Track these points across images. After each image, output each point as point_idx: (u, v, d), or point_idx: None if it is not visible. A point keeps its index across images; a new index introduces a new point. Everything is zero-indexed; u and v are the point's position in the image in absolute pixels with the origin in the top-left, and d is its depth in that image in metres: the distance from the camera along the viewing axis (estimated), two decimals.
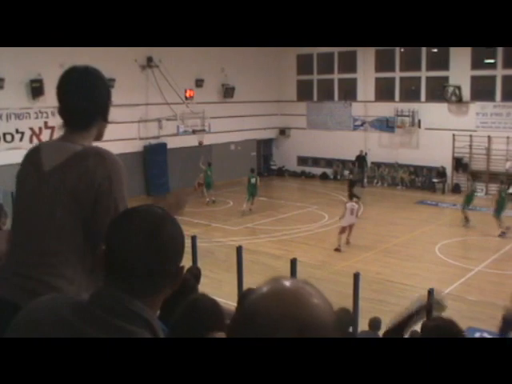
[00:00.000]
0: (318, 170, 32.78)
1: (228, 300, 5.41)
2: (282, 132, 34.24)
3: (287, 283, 1.21)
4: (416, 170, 28.98)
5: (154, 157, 26.72)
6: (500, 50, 26.05)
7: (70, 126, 2.57)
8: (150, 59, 26.42)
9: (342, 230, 18.32)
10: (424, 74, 28.77)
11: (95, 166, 2.44)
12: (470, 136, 27.08)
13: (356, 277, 10.49)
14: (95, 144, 2.69)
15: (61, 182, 2.40)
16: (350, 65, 31.24)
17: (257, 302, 1.17)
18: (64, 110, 2.58)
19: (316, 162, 33.04)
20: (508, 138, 26.08)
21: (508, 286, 13.93)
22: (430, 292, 10.18)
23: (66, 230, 2.39)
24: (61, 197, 2.40)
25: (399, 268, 15.88)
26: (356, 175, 29.39)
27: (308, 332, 1.10)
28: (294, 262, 11.17)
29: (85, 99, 2.54)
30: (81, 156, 2.45)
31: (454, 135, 27.39)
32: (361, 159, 29.85)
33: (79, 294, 2.30)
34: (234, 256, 11.54)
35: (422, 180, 28.61)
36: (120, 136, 25.22)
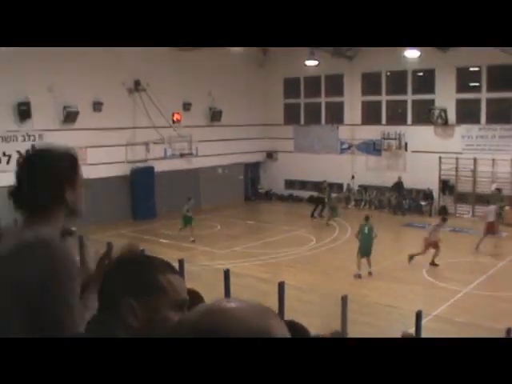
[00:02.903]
0: (305, 194, 32.73)
1: None
2: (270, 155, 34.30)
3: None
4: (403, 193, 29.08)
5: (141, 180, 26.67)
6: (484, 73, 26.43)
7: (26, 209, 2.54)
8: (137, 83, 26.49)
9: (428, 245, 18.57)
10: (410, 97, 29.07)
11: (40, 262, 2.32)
12: (456, 158, 27.32)
13: (344, 300, 10.49)
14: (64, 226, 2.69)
15: (5, 273, 2.35)
16: (336, 88, 31.47)
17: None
18: (17, 193, 2.55)
19: (303, 185, 33.06)
20: (493, 160, 26.31)
21: (495, 307, 14.01)
22: (418, 314, 10.22)
23: (8, 320, 2.32)
24: (3, 287, 2.34)
25: (387, 291, 15.85)
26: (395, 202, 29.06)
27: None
28: (281, 286, 11.11)
29: (31, 183, 2.52)
30: (28, 248, 2.36)
31: (440, 158, 27.63)
32: (399, 186, 29.03)
33: None
34: (221, 280, 11.62)
35: (409, 203, 28.72)
36: (107, 159, 25.19)
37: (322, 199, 27.90)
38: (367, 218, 18.57)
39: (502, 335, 9.32)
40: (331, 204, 26.80)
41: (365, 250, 17.63)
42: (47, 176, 2.54)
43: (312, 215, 27.37)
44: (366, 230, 18.11)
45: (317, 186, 31.94)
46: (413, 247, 21.00)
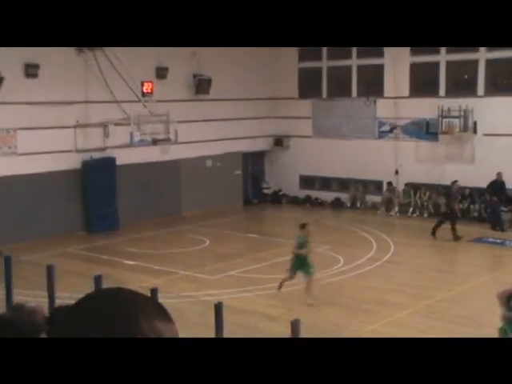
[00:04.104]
0: (328, 195, 32.81)
1: None
2: (278, 142, 34.21)
3: None
4: (472, 195, 28.78)
5: (97, 176, 26.46)
6: None
7: None
8: None
9: None
10: (483, 55, 28.60)
11: None
12: None
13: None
14: None
15: None
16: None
17: None
18: None
19: (326, 183, 33.15)
20: None
21: None
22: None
23: None
24: None
25: (449, 334, 15.36)
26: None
27: None
28: (295, 325, 10.85)
29: None
30: None
31: None
32: (500, 187, 27.71)
33: None
34: (211, 317, 11.67)
35: (481, 208, 28.44)
36: (48, 147, 25.14)
37: (450, 210, 26.22)
38: None
39: None
40: None
41: None
42: None
43: (433, 232, 25.78)
44: None
45: (345, 184, 31.79)
46: (486, 272, 20.70)
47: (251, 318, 16.15)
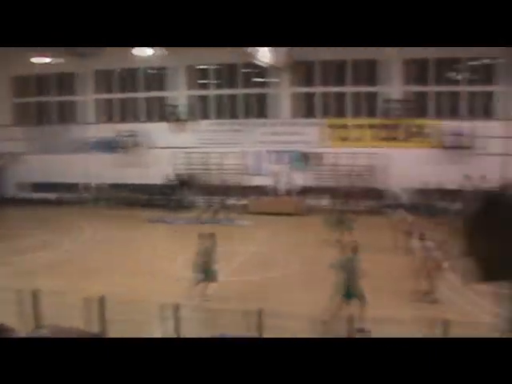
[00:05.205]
0: (48, 195, 31.53)
1: None
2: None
3: None
4: (150, 188, 29.06)
5: None
6: (212, 72, 28.12)
7: None
8: None
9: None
10: (142, 95, 29.66)
11: None
12: (192, 153, 28.47)
13: (101, 301, 10.55)
14: None
15: None
16: (68, 86, 31.04)
17: None
18: None
19: (43, 187, 31.74)
20: (222, 153, 27.97)
21: (247, 291, 14.90)
22: (176, 307, 10.53)
23: None
24: None
25: (145, 286, 15.67)
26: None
27: None
28: (35, 294, 10.91)
29: None
30: None
31: (176, 153, 28.60)
32: (182, 183, 27.87)
33: None
34: None
35: (151, 198, 28.89)
36: None
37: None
38: None
39: (255, 315, 10.04)
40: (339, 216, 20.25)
41: None
42: None
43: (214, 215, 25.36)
44: None
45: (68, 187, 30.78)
46: (162, 242, 21.21)
47: None
